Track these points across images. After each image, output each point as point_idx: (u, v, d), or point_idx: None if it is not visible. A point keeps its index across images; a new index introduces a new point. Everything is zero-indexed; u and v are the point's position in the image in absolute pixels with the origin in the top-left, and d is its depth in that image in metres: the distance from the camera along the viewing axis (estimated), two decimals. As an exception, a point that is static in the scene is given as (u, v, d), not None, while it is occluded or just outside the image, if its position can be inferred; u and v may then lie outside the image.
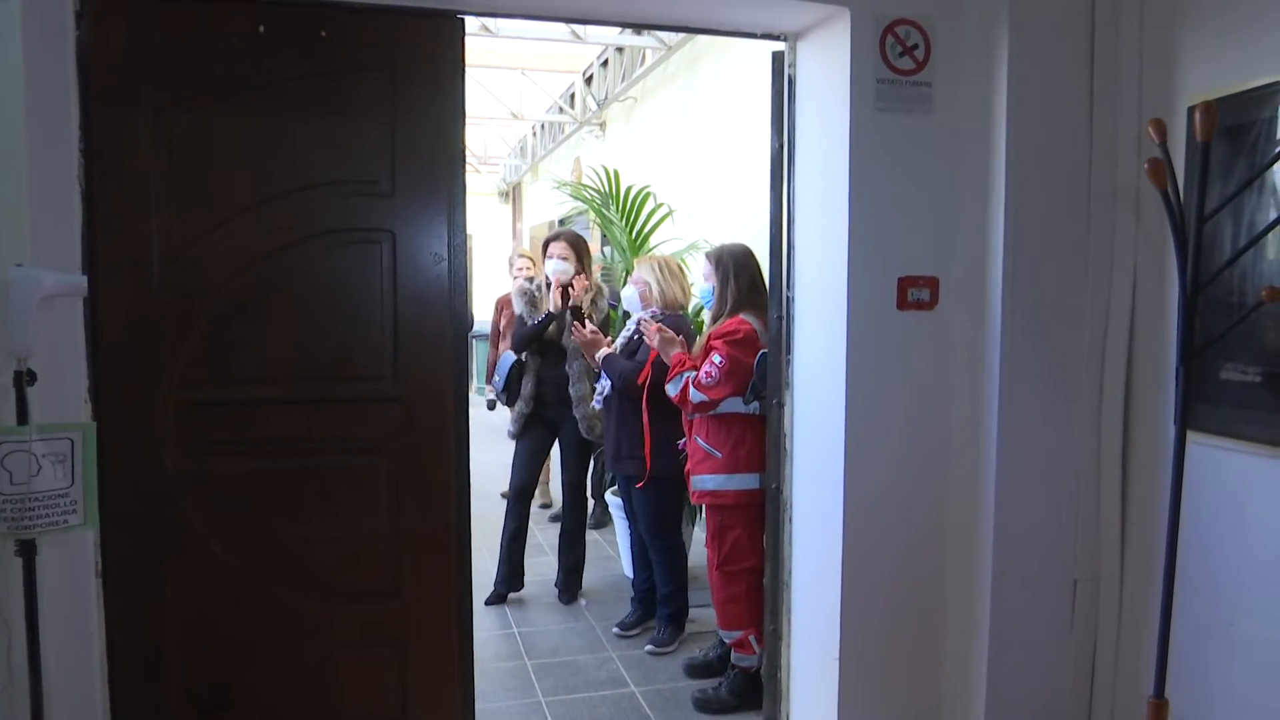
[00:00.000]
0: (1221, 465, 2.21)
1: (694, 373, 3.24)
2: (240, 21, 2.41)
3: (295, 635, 2.53)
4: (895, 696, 2.68)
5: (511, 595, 4.31)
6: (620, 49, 6.16)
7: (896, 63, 2.56)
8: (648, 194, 4.57)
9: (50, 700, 2.02)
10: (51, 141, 2.22)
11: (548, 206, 8.41)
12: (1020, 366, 2.51)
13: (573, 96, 7.42)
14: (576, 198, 5.08)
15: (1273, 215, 2.12)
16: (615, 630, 3.93)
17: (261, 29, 2.43)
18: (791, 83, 2.82)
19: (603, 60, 6.65)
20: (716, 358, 3.18)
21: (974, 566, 2.57)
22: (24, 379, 1.91)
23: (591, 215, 5.03)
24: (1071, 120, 2.51)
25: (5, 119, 2.10)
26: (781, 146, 2.87)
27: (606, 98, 6.68)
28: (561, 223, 8.06)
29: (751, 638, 3.26)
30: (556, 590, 4.35)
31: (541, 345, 4.20)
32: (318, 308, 2.51)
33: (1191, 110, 2.28)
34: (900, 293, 2.60)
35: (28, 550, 1.94)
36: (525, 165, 11.09)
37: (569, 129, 8.03)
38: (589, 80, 7.08)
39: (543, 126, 9.28)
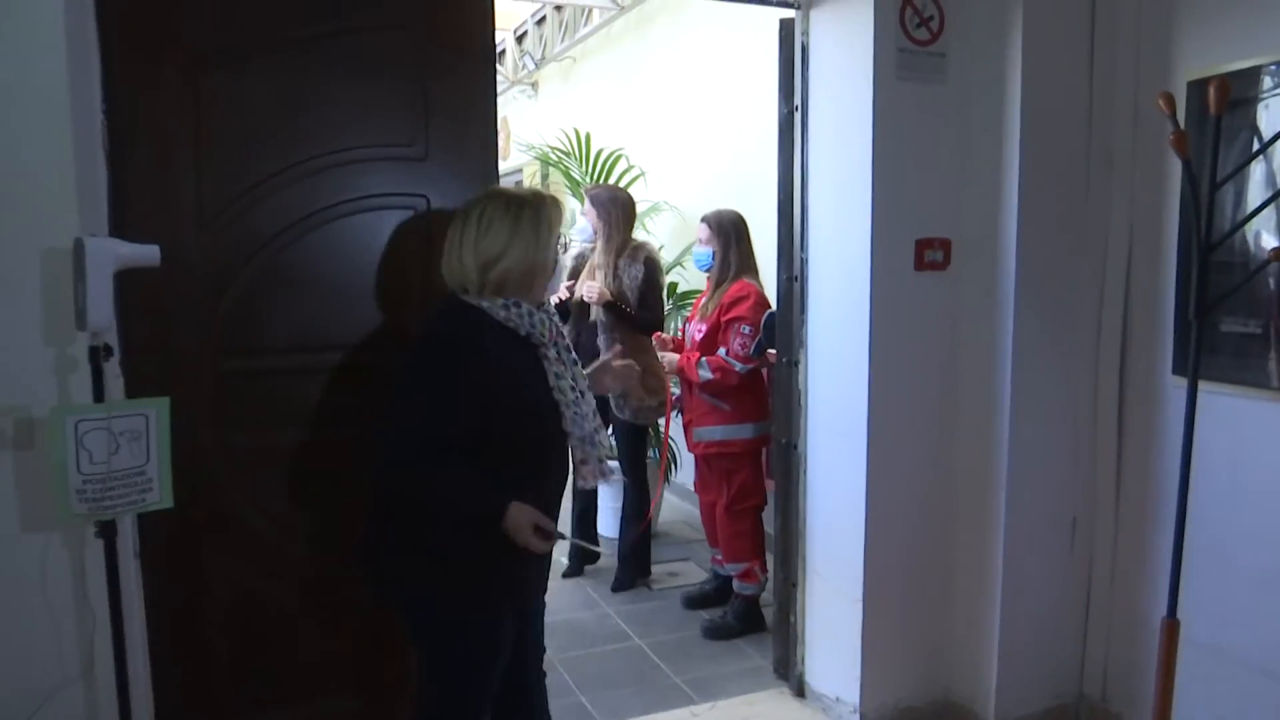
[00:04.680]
0: (1219, 408, 2.44)
1: (723, 350, 3.48)
2: (269, -23, 2.32)
3: (337, 607, 2.50)
4: (913, 631, 2.88)
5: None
6: (559, 6, 6.09)
7: (915, 33, 2.68)
8: (619, 156, 4.58)
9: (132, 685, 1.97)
10: (74, 100, 2.10)
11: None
12: (1028, 322, 2.69)
13: (502, 53, 7.28)
14: (544, 161, 5.05)
15: (1260, 181, 2.35)
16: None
17: (290, -15, 2.35)
18: (804, 50, 2.90)
19: (538, 19, 6.55)
20: (745, 328, 3.42)
21: (987, 508, 2.77)
22: (100, 354, 1.84)
23: (559, 176, 5.00)
24: (1074, 92, 2.69)
25: (45, 78, 1.97)
26: (791, 112, 2.95)
27: (543, 57, 6.59)
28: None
29: (755, 567, 3.60)
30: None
31: (578, 325, 3.88)
32: (353, 275, 2.45)
33: (1191, 85, 2.49)
34: (917, 254, 2.75)
35: (108, 531, 1.88)
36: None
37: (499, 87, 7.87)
38: (520, 38, 6.96)
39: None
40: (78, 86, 2.07)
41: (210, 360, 2.34)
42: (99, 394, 1.84)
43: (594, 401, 2.09)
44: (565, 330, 2.21)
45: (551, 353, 2.00)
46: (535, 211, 1.94)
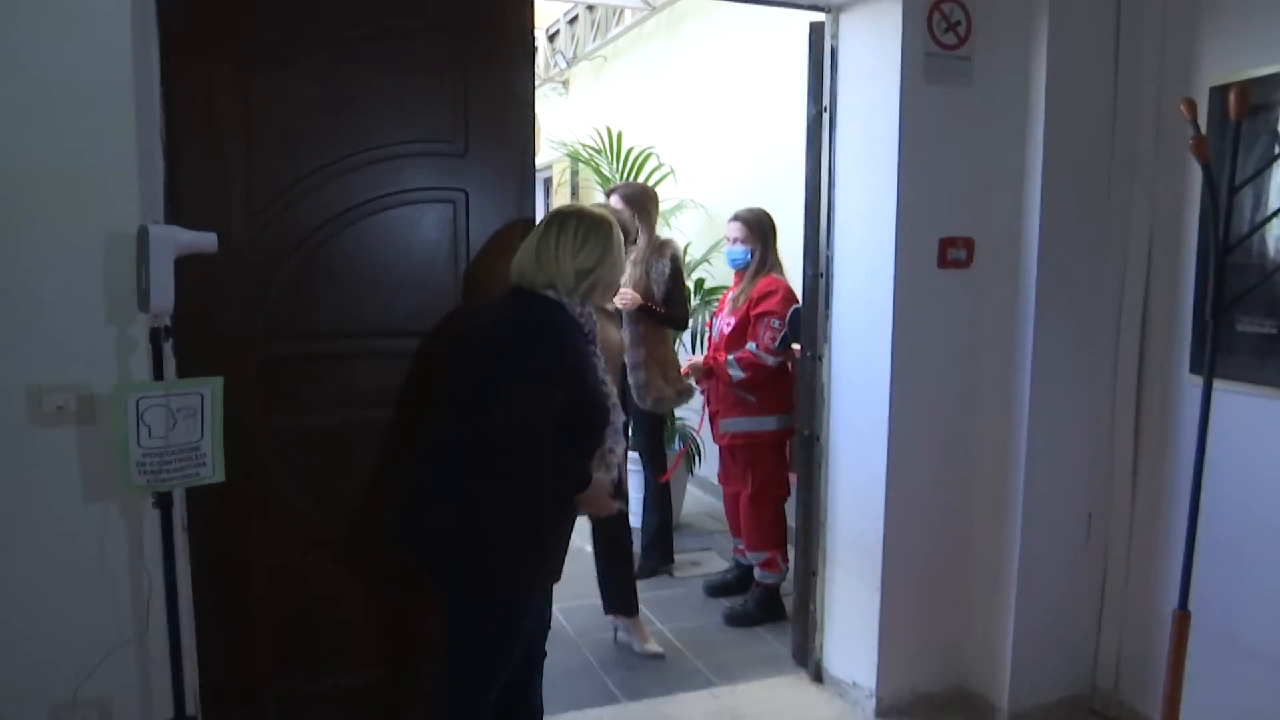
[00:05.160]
0: (1235, 407, 2.49)
1: (752, 344, 3.57)
2: (314, -21, 2.42)
3: (379, 584, 2.60)
4: (931, 620, 2.95)
5: None
6: (591, 6, 6.18)
7: (942, 38, 2.75)
8: (649, 154, 4.67)
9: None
10: (136, 97, 2.21)
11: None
12: (1049, 321, 2.75)
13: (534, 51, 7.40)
14: (575, 158, 5.15)
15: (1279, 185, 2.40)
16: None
17: (335, -13, 2.45)
18: (834, 53, 2.97)
19: (570, 18, 6.65)
20: (775, 321, 3.53)
21: (1005, 502, 2.83)
22: (161, 335, 1.95)
23: (592, 173, 5.09)
24: (1098, 95, 2.75)
25: (111, 77, 2.09)
26: (819, 113, 3.03)
27: (575, 56, 6.70)
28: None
29: (777, 557, 3.69)
30: None
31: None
32: (394, 265, 2.55)
33: (1214, 90, 2.54)
34: (941, 252, 2.82)
35: (165, 502, 1.99)
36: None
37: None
38: (552, 37, 7.07)
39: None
40: (140, 85, 2.19)
41: (256, 344, 2.45)
42: (159, 372, 1.95)
43: None
44: None
45: (597, 349, 2.24)
46: (619, 236, 2.24)
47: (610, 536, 3.44)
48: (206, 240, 1.99)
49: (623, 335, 3.79)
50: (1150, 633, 2.76)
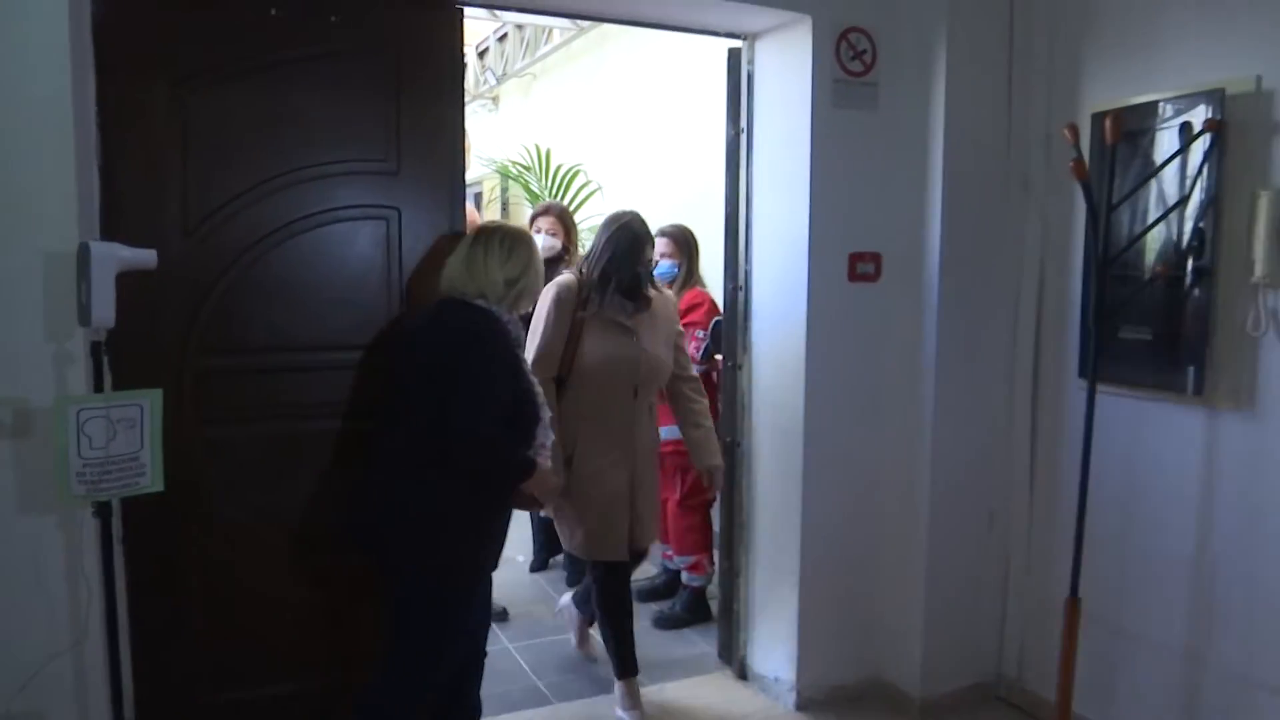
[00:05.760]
0: (1117, 409, 2.71)
1: None
2: (252, 3, 2.49)
3: (314, 591, 2.65)
4: (846, 616, 3.12)
5: None
6: (520, 25, 6.30)
7: (849, 65, 2.93)
8: (577, 171, 4.79)
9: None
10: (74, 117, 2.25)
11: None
12: (950, 330, 2.95)
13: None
14: (504, 174, 5.24)
15: (1155, 202, 2.63)
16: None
17: (273, 11, 2.52)
18: (750, 78, 3.14)
19: (500, 35, 6.76)
20: (700, 332, 3.68)
21: (913, 501, 3.02)
22: (102, 349, 1.99)
23: (521, 189, 5.20)
24: (993, 120, 2.97)
25: (48, 98, 2.13)
26: (737, 134, 3.19)
27: (504, 73, 6.80)
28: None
29: (704, 560, 3.84)
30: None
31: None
32: (329, 280, 2.61)
33: (1095, 117, 2.77)
34: (850, 266, 3.00)
35: (104, 511, 2.03)
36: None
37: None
38: (482, 54, 7.17)
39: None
40: (76, 104, 2.23)
41: (191, 358, 2.50)
42: (99, 385, 2.00)
43: None
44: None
45: (522, 354, 2.43)
46: (538, 248, 2.48)
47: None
48: (146, 257, 2.05)
49: None
50: (1050, 621, 2.94)
